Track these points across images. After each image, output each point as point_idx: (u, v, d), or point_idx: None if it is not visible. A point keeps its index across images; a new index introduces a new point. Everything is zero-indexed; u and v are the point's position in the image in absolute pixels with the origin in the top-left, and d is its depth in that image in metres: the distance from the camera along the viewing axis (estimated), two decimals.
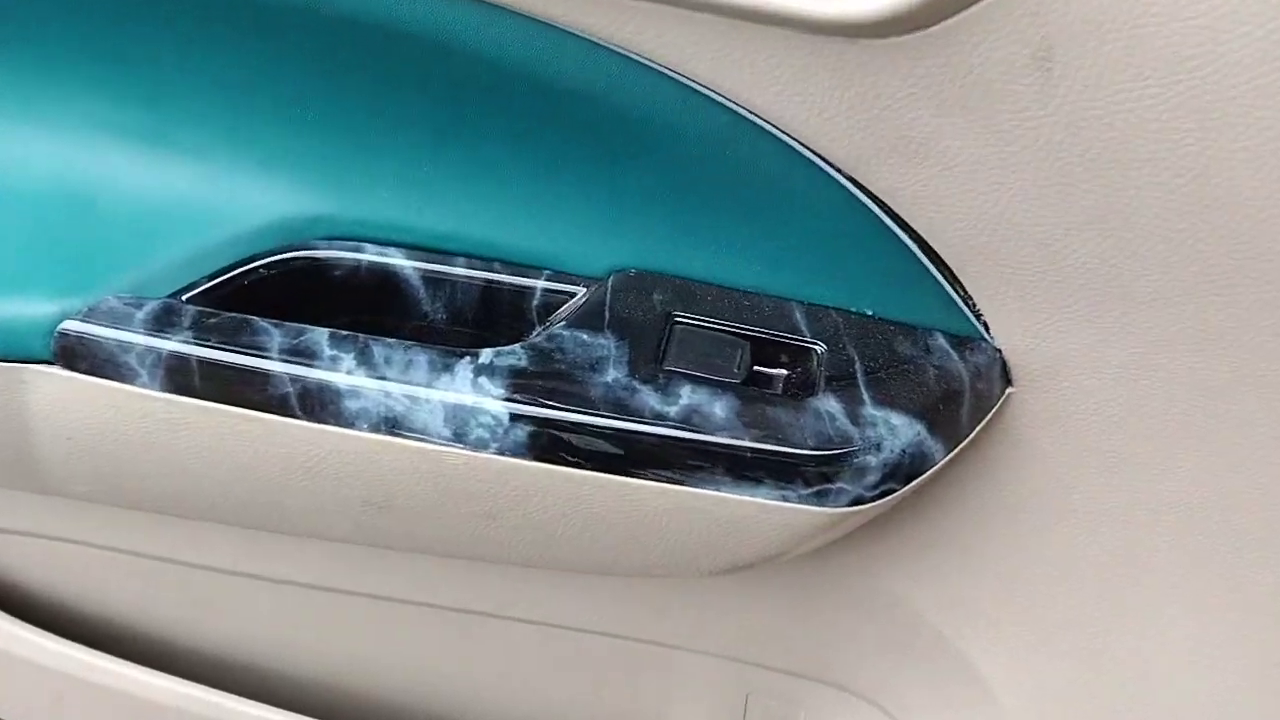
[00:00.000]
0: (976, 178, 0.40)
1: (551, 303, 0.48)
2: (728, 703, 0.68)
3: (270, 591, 0.67)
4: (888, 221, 0.43)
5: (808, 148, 0.42)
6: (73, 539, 0.68)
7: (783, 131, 0.42)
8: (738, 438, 0.43)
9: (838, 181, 0.43)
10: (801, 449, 0.43)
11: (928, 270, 0.45)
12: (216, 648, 0.71)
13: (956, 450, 0.46)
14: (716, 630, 0.65)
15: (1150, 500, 0.48)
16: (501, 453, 0.45)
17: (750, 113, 0.42)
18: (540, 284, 0.48)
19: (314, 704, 0.73)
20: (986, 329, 0.46)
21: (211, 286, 0.48)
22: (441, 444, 0.45)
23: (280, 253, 0.49)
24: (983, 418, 0.47)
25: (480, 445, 0.45)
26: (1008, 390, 0.47)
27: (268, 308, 0.47)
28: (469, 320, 0.50)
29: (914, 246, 0.44)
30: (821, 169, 0.43)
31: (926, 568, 0.56)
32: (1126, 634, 0.53)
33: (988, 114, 0.38)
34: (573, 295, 0.48)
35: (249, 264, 0.49)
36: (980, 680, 0.57)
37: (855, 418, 0.44)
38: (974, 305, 0.46)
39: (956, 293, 0.45)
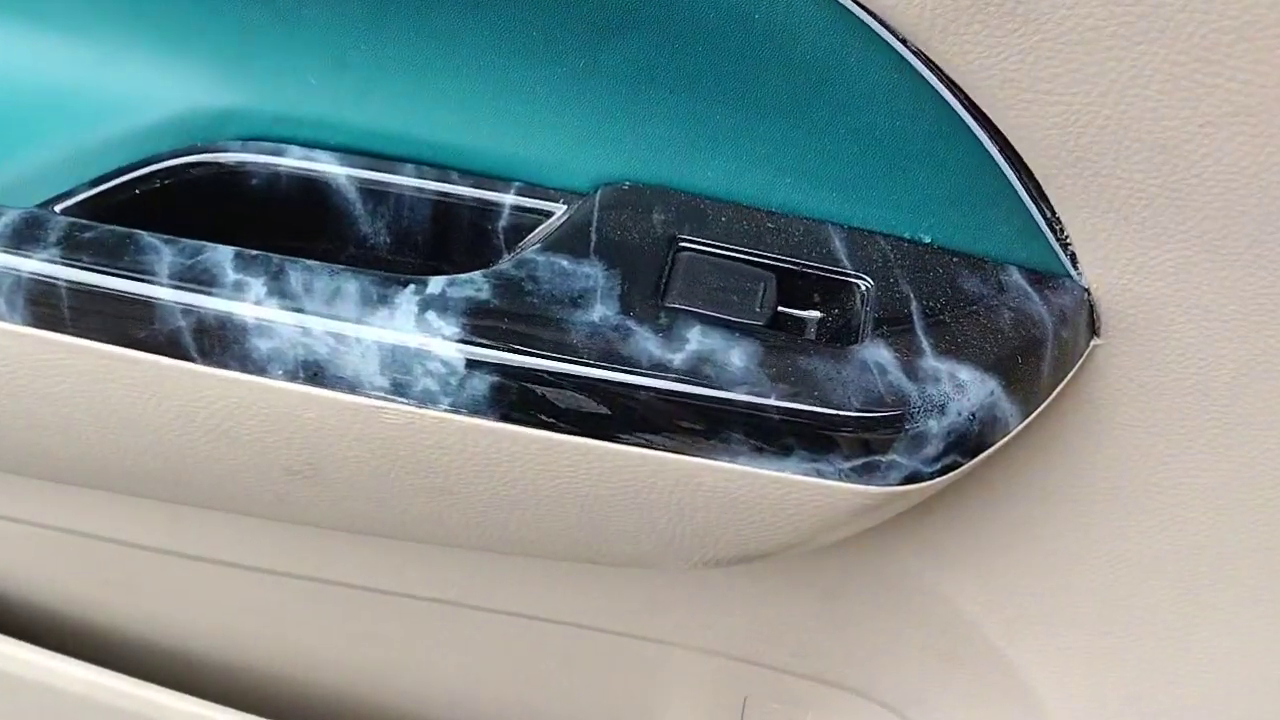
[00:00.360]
0: (1089, 52, 0.31)
1: (523, 224, 0.39)
2: (722, 704, 0.60)
3: (202, 572, 0.60)
4: (962, 114, 0.34)
5: (864, 8, 0.32)
6: None
7: None
8: (760, 394, 0.33)
9: (900, 58, 0.33)
10: (843, 410, 0.33)
11: (1008, 183, 0.35)
12: (140, 634, 0.64)
13: (1033, 415, 0.37)
14: (715, 626, 0.57)
15: (1253, 478, 0.40)
16: (455, 409, 0.35)
17: None
18: (509, 199, 0.39)
19: (257, 699, 0.64)
20: (1074, 262, 0.37)
21: (93, 196, 0.39)
22: (377, 397, 0.35)
23: (181, 155, 0.40)
24: (1065, 375, 0.38)
25: (428, 399, 0.35)
26: (1093, 342, 0.38)
27: (167, 225, 0.38)
28: (418, 244, 0.40)
29: (993, 149, 0.34)
30: (880, 40, 0.33)
31: (971, 558, 0.47)
32: (1204, 640, 0.45)
33: None
34: (550, 214, 0.39)
35: (141, 169, 0.39)
36: (1028, 692, 0.49)
37: (912, 371, 0.34)
38: (1061, 232, 0.36)
39: (1041, 214, 0.36)
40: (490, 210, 0.39)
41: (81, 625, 0.64)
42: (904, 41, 0.33)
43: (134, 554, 0.59)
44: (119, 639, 0.64)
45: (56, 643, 0.61)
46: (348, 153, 0.39)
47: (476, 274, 0.36)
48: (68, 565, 0.62)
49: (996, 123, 0.34)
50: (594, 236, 0.37)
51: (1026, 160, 0.34)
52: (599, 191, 0.38)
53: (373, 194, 0.39)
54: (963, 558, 0.48)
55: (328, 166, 0.39)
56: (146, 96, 0.40)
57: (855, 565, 0.50)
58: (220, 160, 0.39)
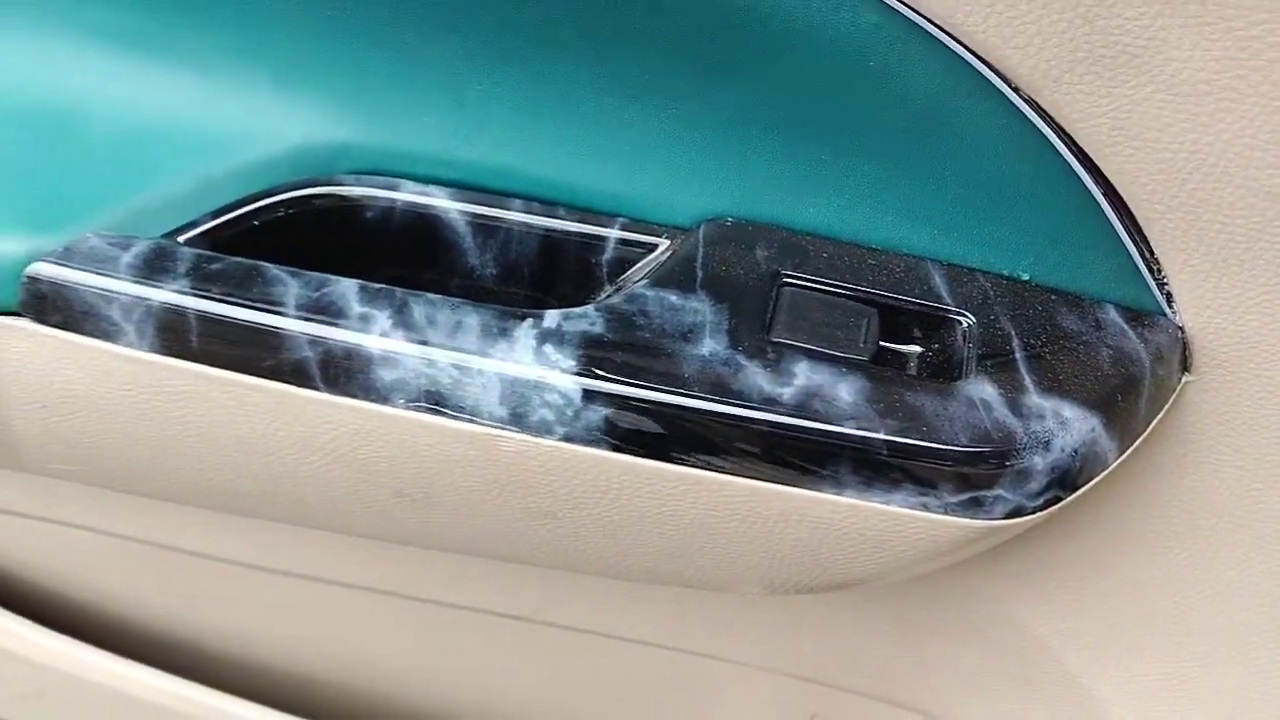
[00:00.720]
0: (1200, 104, 0.31)
1: (626, 257, 0.40)
2: None
3: (278, 585, 0.60)
4: (1068, 158, 0.35)
5: (979, 57, 0.33)
6: (59, 520, 0.61)
7: (951, 35, 0.33)
8: (870, 429, 0.34)
9: (1009, 103, 0.34)
10: (952, 445, 0.34)
11: (1109, 225, 0.36)
12: (216, 644, 0.65)
13: (1130, 451, 0.37)
14: (786, 646, 0.57)
15: None
16: (570, 439, 0.36)
17: (909, 9, 0.33)
18: (613, 233, 0.40)
19: (324, 711, 0.65)
20: (1169, 301, 0.37)
21: (214, 227, 0.40)
22: (495, 426, 0.36)
23: (299, 188, 0.41)
24: (1158, 411, 0.38)
25: (543, 429, 0.36)
26: (1184, 378, 0.39)
27: (282, 255, 0.39)
28: (524, 276, 0.41)
29: (1097, 192, 0.35)
30: (992, 87, 0.34)
31: (1055, 589, 0.48)
32: None
33: (1234, 12, 0.29)
34: (653, 248, 0.40)
35: (260, 201, 0.41)
36: (1105, 718, 0.49)
37: (1017, 408, 0.35)
38: (1159, 272, 0.37)
39: (1140, 255, 0.37)
40: (595, 244, 0.40)
41: (157, 635, 0.66)
42: (1015, 89, 0.34)
43: (212, 565, 0.61)
44: (200, 651, 0.66)
45: (138, 653, 0.62)
46: (460, 188, 0.40)
47: (589, 308, 0.37)
48: (151, 577, 0.63)
49: (1102, 168, 0.34)
50: (699, 272, 0.38)
51: (1130, 204, 0.35)
52: (702, 227, 0.39)
53: (483, 228, 0.40)
54: (1041, 584, 0.48)
55: (440, 201, 0.40)
56: (264, 130, 0.41)
57: (931, 590, 0.51)
58: (337, 193, 0.41)
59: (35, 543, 0.63)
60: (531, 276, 0.41)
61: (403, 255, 0.41)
